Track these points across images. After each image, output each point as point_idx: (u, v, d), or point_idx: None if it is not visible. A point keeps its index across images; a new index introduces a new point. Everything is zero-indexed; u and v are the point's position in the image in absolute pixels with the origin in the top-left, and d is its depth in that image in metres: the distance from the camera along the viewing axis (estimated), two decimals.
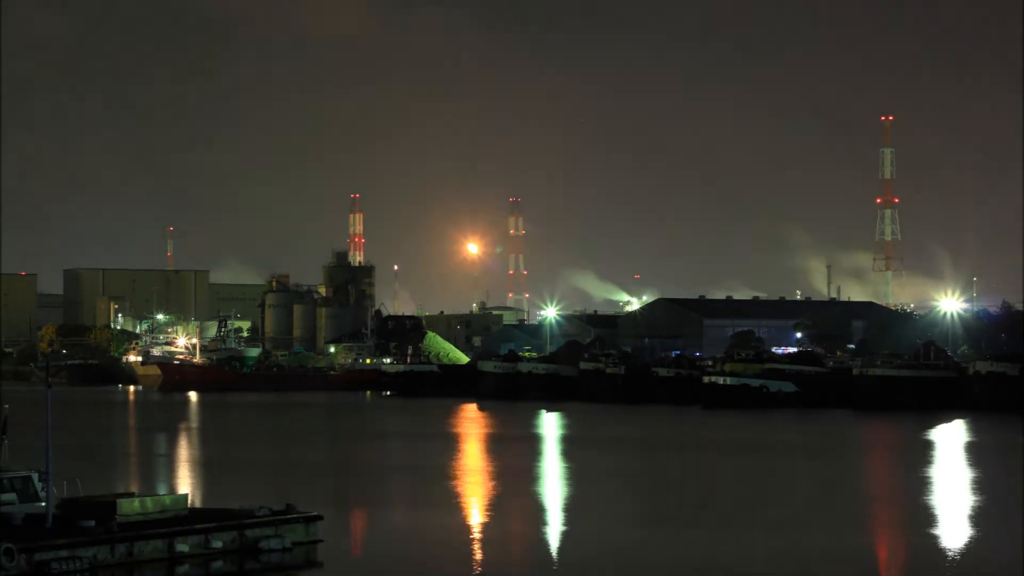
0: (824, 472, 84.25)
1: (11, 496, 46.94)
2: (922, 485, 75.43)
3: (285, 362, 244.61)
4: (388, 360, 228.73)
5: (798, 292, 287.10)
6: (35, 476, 47.66)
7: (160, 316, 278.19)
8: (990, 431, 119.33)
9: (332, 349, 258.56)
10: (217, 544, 45.46)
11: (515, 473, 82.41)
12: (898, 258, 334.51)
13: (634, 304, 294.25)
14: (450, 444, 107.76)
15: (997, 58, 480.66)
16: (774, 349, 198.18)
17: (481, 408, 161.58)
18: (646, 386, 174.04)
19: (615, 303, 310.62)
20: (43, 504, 45.85)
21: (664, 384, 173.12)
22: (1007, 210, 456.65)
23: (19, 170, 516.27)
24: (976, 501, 68.11)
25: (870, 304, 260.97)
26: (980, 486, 75.13)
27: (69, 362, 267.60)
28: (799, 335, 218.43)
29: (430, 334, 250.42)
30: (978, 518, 61.26)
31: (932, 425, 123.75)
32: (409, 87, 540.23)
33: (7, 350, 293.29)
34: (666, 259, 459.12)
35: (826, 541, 53.51)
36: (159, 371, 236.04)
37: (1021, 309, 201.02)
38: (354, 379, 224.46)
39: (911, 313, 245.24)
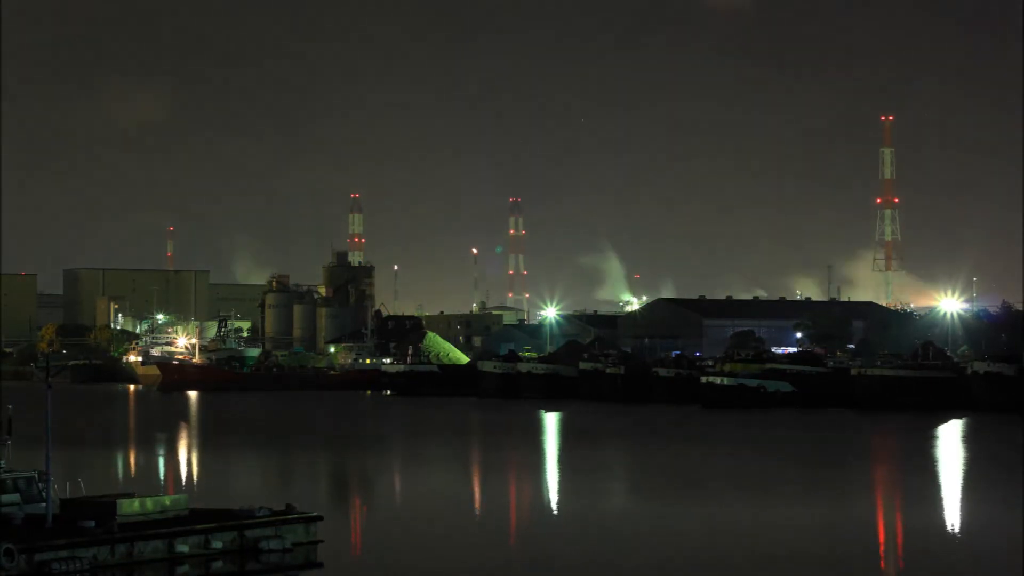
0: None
1: (14, 496, 46.97)
2: (921, 472, 75.61)
3: (285, 362, 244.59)
4: (388, 360, 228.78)
5: (798, 292, 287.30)
6: (37, 476, 47.68)
7: (160, 316, 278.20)
8: (989, 431, 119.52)
9: (332, 349, 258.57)
10: (217, 545, 45.47)
11: (515, 471, 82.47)
12: (898, 258, 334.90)
13: (634, 304, 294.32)
14: (450, 444, 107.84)
15: (997, 57, 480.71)
16: (774, 349, 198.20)
17: (481, 408, 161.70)
18: (645, 386, 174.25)
19: (615, 303, 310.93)
20: (45, 505, 45.84)
21: (663, 384, 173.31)
22: (1007, 210, 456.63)
23: (19, 169, 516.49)
24: (974, 494, 68.33)
25: (870, 304, 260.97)
26: (978, 479, 75.30)
27: (72, 362, 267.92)
28: (799, 335, 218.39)
29: (430, 334, 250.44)
30: (975, 509, 61.47)
31: (932, 424, 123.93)
32: (409, 86, 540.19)
33: (7, 350, 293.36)
34: (666, 259, 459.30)
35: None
36: (159, 371, 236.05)
37: (1021, 309, 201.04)
38: (354, 379, 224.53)
39: (911, 313, 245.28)
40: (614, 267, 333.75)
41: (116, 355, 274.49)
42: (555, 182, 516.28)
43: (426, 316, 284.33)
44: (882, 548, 52.47)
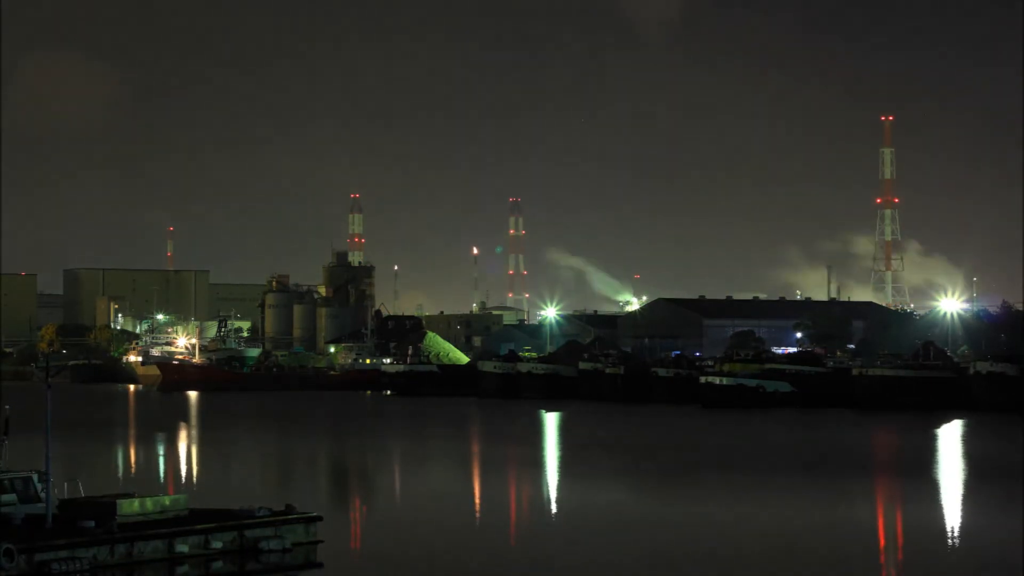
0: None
1: (11, 497, 46.90)
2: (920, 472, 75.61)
3: (285, 362, 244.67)
4: (388, 360, 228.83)
5: (798, 292, 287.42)
6: (35, 477, 47.62)
7: (160, 316, 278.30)
8: (989, 431, 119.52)
9: (332, 349, 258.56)
10: (217, 545, 45.43)
11: (514, 470, 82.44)
12: (898, 258, 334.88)
13: (634, 304, 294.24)
14: (449, 443, 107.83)
15: (997, 57, 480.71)
16: (774, 349, 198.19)
17: (481, 408, 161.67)
18: (645, 386, 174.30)
19: (615, 303, 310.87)
20: (43, 505, 45.78)
21: (663, 384, 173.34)
22: (1007, 210, 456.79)
23: (18, 169, 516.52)
24: (974, 495, 68.32)
25: (870, 304, 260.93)
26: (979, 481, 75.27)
27: (71, 362, 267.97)
28: (799, 335, 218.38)
29: (430, 334, 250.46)
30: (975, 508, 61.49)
31: (932, 424, 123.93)
32: (409, 85, 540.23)
33: (7, 350, 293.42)
34: (666, 259, 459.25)
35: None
36: (159, 371, 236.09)
37: (1021, 309, 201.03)
38: (354, 379, 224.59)
39: (911, 313, 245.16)
40: (600, 279, 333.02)
41: (116, 355, 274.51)
42: (555, 182, 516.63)
43: (426, 316, 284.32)
44: (882, 548, 52.46)
